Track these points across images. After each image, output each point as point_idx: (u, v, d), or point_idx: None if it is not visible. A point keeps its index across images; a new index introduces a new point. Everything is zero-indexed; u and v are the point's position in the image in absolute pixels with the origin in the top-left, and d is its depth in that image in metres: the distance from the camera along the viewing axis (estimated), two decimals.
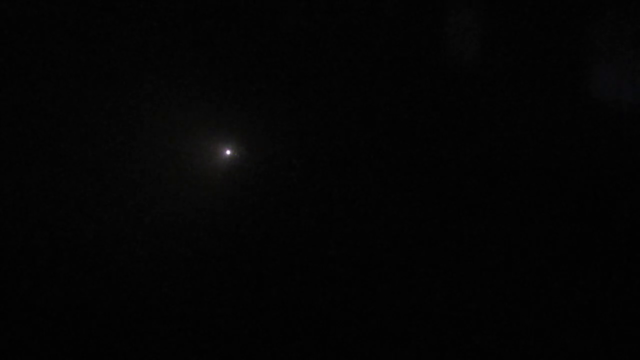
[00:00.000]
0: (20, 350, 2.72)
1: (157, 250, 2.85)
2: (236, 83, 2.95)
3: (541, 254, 2.93)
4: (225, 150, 3.02)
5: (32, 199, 2.85)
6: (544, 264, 2.93)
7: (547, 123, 3.03)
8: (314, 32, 2.99)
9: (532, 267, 2.91)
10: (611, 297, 2.87)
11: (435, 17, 3.10)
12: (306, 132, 2.96)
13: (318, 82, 2.99)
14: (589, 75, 3.14)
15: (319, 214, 2.93)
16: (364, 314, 2.84)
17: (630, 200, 2.98)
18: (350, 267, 2.89)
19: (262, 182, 2.92)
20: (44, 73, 2.89)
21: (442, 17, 3.12)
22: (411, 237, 2.95)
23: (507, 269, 2.91)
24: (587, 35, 3.14)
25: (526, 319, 2.85)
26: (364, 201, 2.95)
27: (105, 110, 2.89)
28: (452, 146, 3.00)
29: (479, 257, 2.92)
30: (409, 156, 3.00)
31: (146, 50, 2.91)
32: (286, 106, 2.95)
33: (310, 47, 2.99)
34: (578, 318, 2.85)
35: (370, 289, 2.85)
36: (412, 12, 3.09)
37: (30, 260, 2.82)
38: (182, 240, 2.87)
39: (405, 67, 3.01)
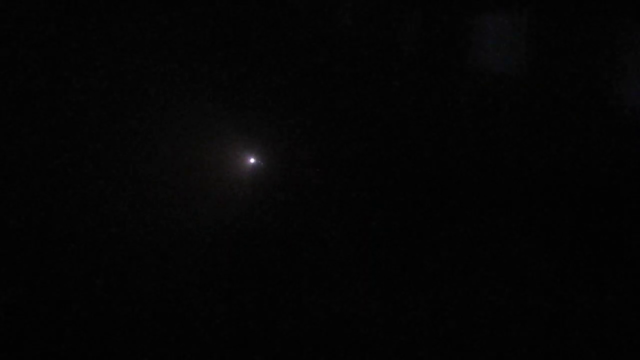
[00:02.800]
0: (23, 350, 2.75)
1: (177, 254, 2.88)
2: (259, 92, 2.97)
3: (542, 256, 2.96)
4: (248, 157, 3.03)
5: (56, 201, 2.87)
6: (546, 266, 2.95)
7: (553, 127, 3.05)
8: (334, 45, 3.02)
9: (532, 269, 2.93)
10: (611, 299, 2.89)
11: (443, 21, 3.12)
12: (327, 139, 2.98)
13: (339, 92, 3.01)
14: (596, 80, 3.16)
15: (338, 219, 2.95)
16: (380, 317, 2.86)
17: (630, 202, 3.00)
18: (370, 270, 2.91)
19: (282, 188, 2.95)
20: (70, 75, 2.91)
21: (449, 21, 3.14)
22: (432, 240, 2.97)
23: (507, 271, 2.94)
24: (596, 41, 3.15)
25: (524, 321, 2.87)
26: (383, 206, 2.97)
27: (131, 118, 2.91)
28: (465, 151, 3.03)
29: (480, 259, 2.95)
30: (427, 162, 3.03)
31: (171, 56, 2.93)
32: (308, 115, 2.97)
33: (330, 59, 3.01)
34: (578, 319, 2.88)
35: (386, 289, 2.88)
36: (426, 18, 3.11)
37: (52, 259, 2.85)
38: (204, 244, 2.90)
39: (424, 74, 3.03)
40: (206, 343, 2.82)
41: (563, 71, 3.11)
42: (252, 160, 3.04)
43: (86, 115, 2.95)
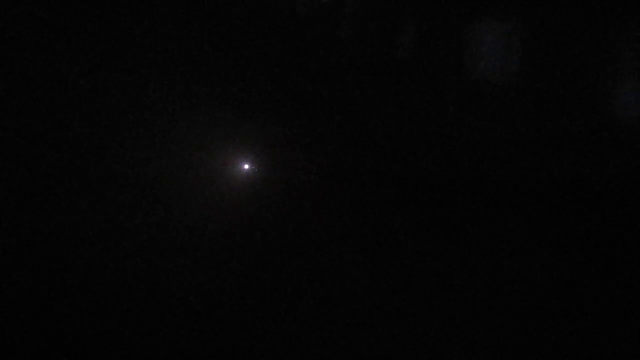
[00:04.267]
0: (25, 350, 2.75)
1: (174, 257, 2.88)
2: (256, 97, 2.99)
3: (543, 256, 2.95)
4: (244, 163, 3.04)
5: (52, 204, 2.88)
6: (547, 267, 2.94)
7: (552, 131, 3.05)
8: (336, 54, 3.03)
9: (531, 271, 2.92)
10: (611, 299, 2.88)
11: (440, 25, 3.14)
12: (323, 145, 2.99)
13: (336, 99, 3.02)
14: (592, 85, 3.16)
15: (333, 223, 2.95)
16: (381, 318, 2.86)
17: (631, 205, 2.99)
18: (369, 273, 2.91)
19: (277, 193, 2.95)
20: (79, 76, 2.93)
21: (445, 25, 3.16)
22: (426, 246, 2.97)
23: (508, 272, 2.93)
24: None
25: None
26: (381, 210, 2.97)
27: (128, 121, 2.93)
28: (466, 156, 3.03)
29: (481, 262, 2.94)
30: (423, 168, 3.03)
31: (169, 60, 2.95)
32: (305, 121, 2.98)
33: (330, 65, 3.03)
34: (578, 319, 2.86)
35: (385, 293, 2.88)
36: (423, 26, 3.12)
37: (59, 264, 2.86)
38: (200, 248, 2.90)
39: (421, 83, 3.05)
40: (205, 343, 2.82)
41: (558, 78, 3.12)
42: (247, 166, 3.05)
43: (85, 118, 2.97)
